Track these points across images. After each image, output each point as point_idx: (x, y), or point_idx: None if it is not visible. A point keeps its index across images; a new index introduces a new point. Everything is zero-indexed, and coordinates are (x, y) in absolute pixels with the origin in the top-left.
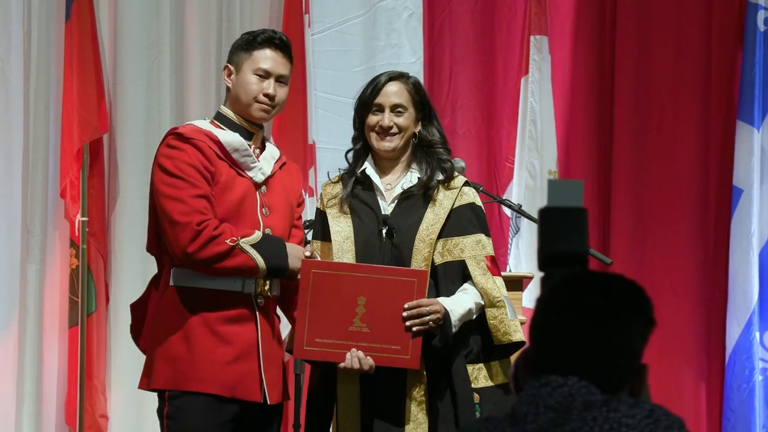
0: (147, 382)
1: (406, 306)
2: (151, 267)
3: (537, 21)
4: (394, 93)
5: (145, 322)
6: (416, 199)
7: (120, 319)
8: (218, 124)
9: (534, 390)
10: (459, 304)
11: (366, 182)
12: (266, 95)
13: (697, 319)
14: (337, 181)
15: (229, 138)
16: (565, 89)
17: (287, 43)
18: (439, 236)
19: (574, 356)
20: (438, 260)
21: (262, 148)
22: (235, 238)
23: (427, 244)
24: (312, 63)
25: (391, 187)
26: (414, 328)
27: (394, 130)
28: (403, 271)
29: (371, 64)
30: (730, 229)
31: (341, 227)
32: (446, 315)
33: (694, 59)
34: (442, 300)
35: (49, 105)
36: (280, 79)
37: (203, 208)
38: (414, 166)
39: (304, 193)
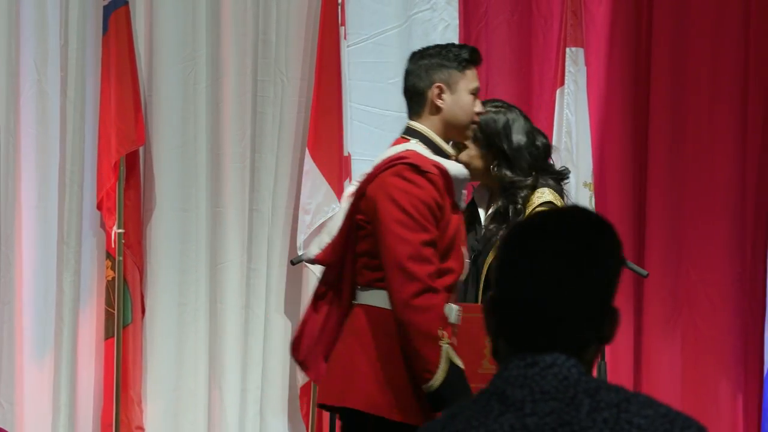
0: (340, 398)
1: None
2: (186, 279)
3: (573, 33)
4: None
5: (307, 334)
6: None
7: (156, 331)
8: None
9: (520, 371)
10: None
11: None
12: (478, 114)
13: (735, 332)
14: None
15: (457, 170)
16: (601, 101)
17: None
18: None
19: (542, 303)
20: None
21: None
22: (446, 334)
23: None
24: (347, 74)
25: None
26: None
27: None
28: None
29: None
30: (767, 241)
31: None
32: None
33: (731, 70)
34: None
35: (85, 117)
36: None
37: (431, 256)
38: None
39: None
